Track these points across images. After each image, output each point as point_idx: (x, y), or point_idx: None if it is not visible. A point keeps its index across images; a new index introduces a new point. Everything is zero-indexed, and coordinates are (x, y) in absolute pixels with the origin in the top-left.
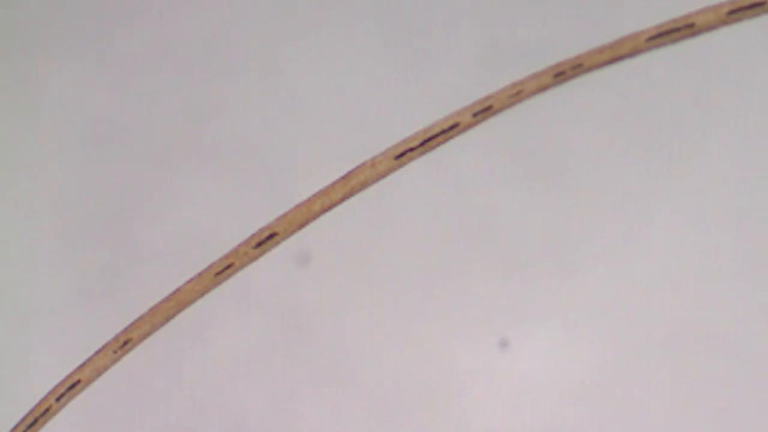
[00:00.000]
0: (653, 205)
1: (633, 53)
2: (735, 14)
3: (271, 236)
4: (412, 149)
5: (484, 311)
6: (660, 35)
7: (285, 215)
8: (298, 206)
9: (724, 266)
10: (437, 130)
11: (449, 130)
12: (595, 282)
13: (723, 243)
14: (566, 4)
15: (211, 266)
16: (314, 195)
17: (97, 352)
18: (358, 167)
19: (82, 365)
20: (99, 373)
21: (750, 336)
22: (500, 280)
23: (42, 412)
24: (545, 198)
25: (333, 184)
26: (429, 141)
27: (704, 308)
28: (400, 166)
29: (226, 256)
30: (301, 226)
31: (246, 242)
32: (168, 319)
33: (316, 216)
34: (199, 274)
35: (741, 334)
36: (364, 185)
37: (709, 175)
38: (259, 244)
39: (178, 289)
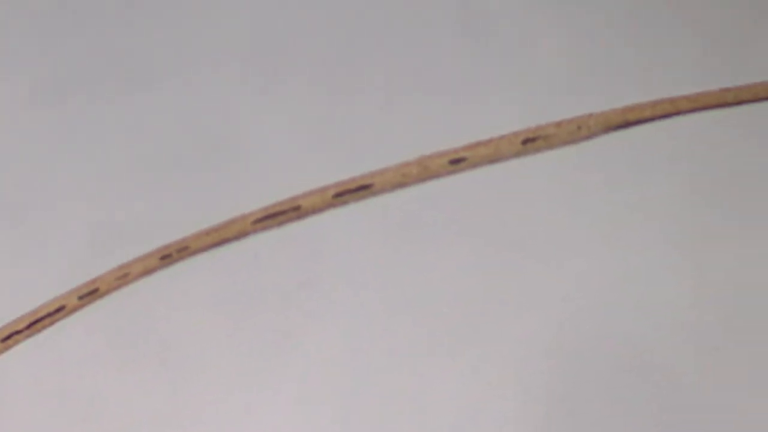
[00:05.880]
0: (260, 388)
1: (240, 235)
2: (341, 197)
3: None
4: (18, 332)
5: None
6: (267, 217)
7: None
8: None
9: None
10: (43, 312)
11: (55, 312)
12: None
13: (328, 429)
14: (173, 185)
15: None
16: None
17: None
18: None
19: None
20: None
21: None
22: None
23: None
24: (151, 382)
25: None
26: (35, 323)
27: None
28: (7, 348)
29: None
30: None
31: None
32: None
33: None
34: None
35: None
36: None
37: (316, 358)
38: None
39: None
